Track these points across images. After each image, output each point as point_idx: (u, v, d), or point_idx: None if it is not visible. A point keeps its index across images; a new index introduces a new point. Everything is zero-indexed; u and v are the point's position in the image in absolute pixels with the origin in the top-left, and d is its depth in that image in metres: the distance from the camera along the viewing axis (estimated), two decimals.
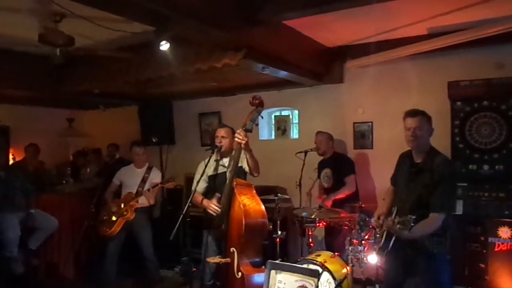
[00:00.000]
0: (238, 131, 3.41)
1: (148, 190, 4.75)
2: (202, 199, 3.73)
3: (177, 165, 5.75)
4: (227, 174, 3.68)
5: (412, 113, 2.97)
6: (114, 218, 4.73)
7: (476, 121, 4.22)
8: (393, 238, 2.82)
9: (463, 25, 4.09)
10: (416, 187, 2.86)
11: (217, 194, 3.63)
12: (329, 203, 4.58)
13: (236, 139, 3.41)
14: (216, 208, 3.56)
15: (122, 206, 4.78)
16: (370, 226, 3.70)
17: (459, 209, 4.09)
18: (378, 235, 3.09)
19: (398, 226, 2.66)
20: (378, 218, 3.12)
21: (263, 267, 3.28)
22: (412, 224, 2.57)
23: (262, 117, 3.67)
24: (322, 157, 4.99)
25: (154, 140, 6.00)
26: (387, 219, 2.98)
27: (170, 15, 3.13)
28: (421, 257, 2.85)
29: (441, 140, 4.45)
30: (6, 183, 4.91)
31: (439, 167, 2.80)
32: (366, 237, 3.77)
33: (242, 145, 3.39)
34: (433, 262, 2.83)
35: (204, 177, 3.76)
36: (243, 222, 3.29)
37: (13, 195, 4.90)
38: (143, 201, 4.86)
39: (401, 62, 4.83)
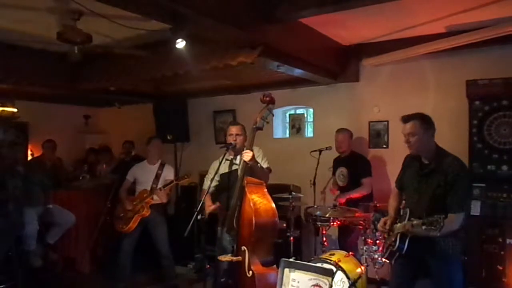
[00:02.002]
0: (247, 151, 3.46)
1: (160, 189, 4.79)
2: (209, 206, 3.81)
3: (192, 162, 5.80)
4: (238, 172, 3.70)
5: (404, 119, 2.94)
6: (130, 215, 4.79)
7: (495, 120, 4.14)
8: (407, 240, 2.78)
9: (482, 23, 4.02)
10: (428, 188, 2.83)
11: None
12: (342, 200, 4.55)
13: (243, 157, 3.46)
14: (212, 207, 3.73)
15: (137, 203, 4.84)
16: (368, 228, 3.66)
17: (477, 210, 4.03)
18: (388, 240, 3.05)
19: (424, 227, 2.59)
20: (385, 223, 3.08)
21: (275, 266, 3.30)
22: (442, 225, 2.52)
23: (273, 115, 3.67)
24: (338, 155, 4.95)
25: (169, 138, 6.05)
26: (399, 223, 2.95)
27: (187, 13, 3.15)
28: (436, 258, 2.82)
29: (459, 140, 4.41)
30: (25, 178, 5.00)
31: (451, 167, 2.78)
32: (381, 237, 3.74)
33: (247, 162, 3.45)
34: (447, 263, 2.81)
35: (216, 176, 3.79)
36: (253, 221, 3.30)
37: (31, 190, 4.99)
38: (157, 198, 4.90)
39: (418, 61, 4.77)
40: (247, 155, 3.43)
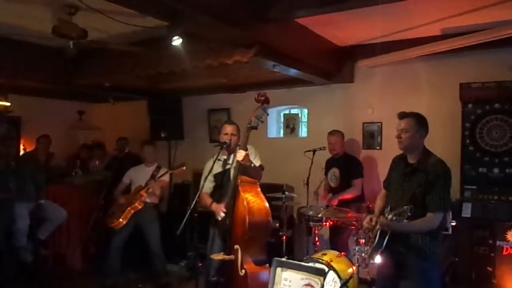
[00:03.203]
0: (240, 151, 3.45)
1: (154, 180, 4.79)
2: (212, 202, 3.73)
3: (186, 160, 5.73)
4: (232, 171, 3.70)
5: (400, 115, 3.00)
6: (123, 209, 4.79)
7: (487, 123, 4.18)
8: (387, 237, 2.82)
9: (477, 27, 4.06)
10: (411, 187, 2.88)
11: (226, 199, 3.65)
12: (334, 202, 4.57)
13: (237, 157, 3.44)
14: (223, 214, 3.58)
15: (131, 196, 4.85)
16: (360, 228, 3.67)
17: (468, 212, 4.07)
18: (370, 237, 3.09)
19: (394, 218, 2.69)
20: (370, 220, 3.12)
21: (267, 265, 3.30)
22: (409, 214, 2.61)
23: (268, 114, 3.67)
24: (330, 155, 4.97)
25: (163, 135, 6.04)
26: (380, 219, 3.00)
27: (184, 11, 3.15)
28: (414, 256, 2.87)
29: (451, 142, 4.45)
30: (17, 173, 4.97)
31: (434, 167, 2.83)
32: (368, 235, 3.75)
33: (241, 161, 3.43)
34: (424, 261, 2.86)
35: (210, 176, 3.77)
36: (247, 220, 3.30)
37: (23, 186, 4.95)
38: (151, 198, 4.91)
39: (413, 63, 4.80)
40: (240, 155, 3.43)
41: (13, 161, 5.06)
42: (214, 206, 3.69)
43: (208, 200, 3.77)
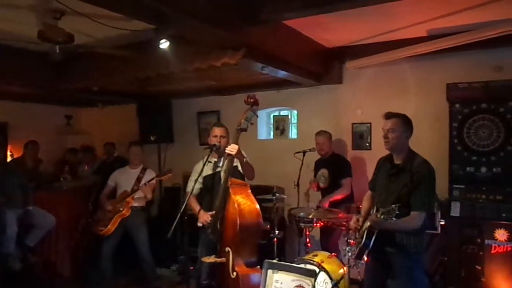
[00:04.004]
0: (232, 144, 3.44)
1: (145, 184, 4.76)
2: (199, 210, 3.71)
3: (176, 163, 5.75)
4: (222, 173, 3.69)
5: (387, 115, 3.05)
6: (109, 216, 4.75)
7: (474, 123, 4.22)
8: (373, 237, 2.84)
9: (462, 27, 4.10)
10: (396, 187, 2.92)
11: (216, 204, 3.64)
12: (326, 205, 4.58)
13: (227, 150, 3.43)
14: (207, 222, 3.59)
15: (117, 203, 4.79)
16: (347, 228, 3.67)
17: (456, 211, 4.10)
18: (357, 238, 3.11)
19: (382, 217, 2.73)
20: (357, 220, 3.14)
21: (259, 267, 3.30)
22: (397, 212, 2.65)
23: (257, 116, 3.68)
24: (319, 156, 4.98)
25: (152, 138, 6.02)
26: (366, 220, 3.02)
27: (170, 13, 3.13)
28: (399, 255, 2.92)
29: (439, 142, 4.49)
30: (4, 179, 4.90)
31: (419, 168, 2.88)
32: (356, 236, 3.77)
33: (233, 155, 3.41)
34: (408, 259, 2.90)
35: (199, 179, 3.76)
36: (238, 222, 3.30)
37: (11, 192, 4.89)
38: (138, 201, 4.87)
39: (400, 64, 4.84)
40: (233, 148, 3.41)
41: (0, 167, 4.99)
42: (201, 214, 3.67)
43: (196, 207, 3.76)
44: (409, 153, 2.99)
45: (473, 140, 4.21)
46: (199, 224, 3.66)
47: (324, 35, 4.67)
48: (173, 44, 3.67)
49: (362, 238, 2.95)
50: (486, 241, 3.94)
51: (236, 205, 3.34)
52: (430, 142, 4.53)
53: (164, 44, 3.62)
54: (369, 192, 3.32)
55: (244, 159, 3.56)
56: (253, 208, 3.45)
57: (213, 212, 3.58)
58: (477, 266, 3.95)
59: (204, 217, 3.61)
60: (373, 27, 4.31)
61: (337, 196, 4.65)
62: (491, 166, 4.12)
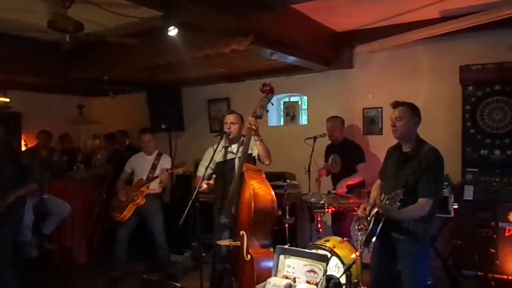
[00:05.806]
0: (249, 118, 3.46)
1: (167, 169, 4.80)
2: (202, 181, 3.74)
3: (186, 151, 5.78)
4: (236, 160, 3.70)
5: (394, 104, 3.04)
6: (125, 204, 4.81)
7: (488, 105, 4.16)
8: (381, 224, 2.84)
9: (475, 8, 4.01)
10: (404, 175, 2.91)
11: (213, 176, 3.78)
12: (342, 189, 4.54)
13: (247, 124, 3.45)
14: (205, 186, 3.67)
15: (132, 191, 4.85)
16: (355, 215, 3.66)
17: (470, 194, 4.07)
18: (365, 224, 3.10)
19: (387, 202, 2.75)
20: (364, 209, 3.13)
21: (272, 249, 3.32)
22: (402, 197, 2.65)
23: (272, 104, 3.70)
24: (330, 142, 4.96)
25: (163, 127, 6.02)
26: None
27: (177, 0, 3.11)
28: (406, 241, 2.92)
29: (452, 125, 4.44)
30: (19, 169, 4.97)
31: (427, 155, 2.86)
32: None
33: (253, 132, 3.42)
34: (416, 246, 2.90)
35: (211, 164, 3.78)
36: (253, 206, 3.34)
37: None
38: (154, 187, 4.91)
39: (412, 47, 4.76)
40: (253, 121, 3.46)
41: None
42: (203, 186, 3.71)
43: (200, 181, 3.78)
44: (418, 141, 2.98)
45: (487, 122, 4.16)
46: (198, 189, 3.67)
47: (334, 19, 4.61)
48: (182, 32, 3.66)
49: (369, 225, 2.95)
50: (500, 224, 3.93)
51: (251, 189, 3.38)
52: (443, 125, 4.49)
53: (173, 32, 3.61)
54: (378, 181, 3.31)
55: (260, 137, 3.61)
56: (268, 192, 3.48)
57: (211, 181, 3.66)
58: (491, 249, 3.95)
59: (204, 183, 3.68)
60: (383, 10, 4.24)
61: (353, 180, 4.63)
62: (505, 148, 4.07)
